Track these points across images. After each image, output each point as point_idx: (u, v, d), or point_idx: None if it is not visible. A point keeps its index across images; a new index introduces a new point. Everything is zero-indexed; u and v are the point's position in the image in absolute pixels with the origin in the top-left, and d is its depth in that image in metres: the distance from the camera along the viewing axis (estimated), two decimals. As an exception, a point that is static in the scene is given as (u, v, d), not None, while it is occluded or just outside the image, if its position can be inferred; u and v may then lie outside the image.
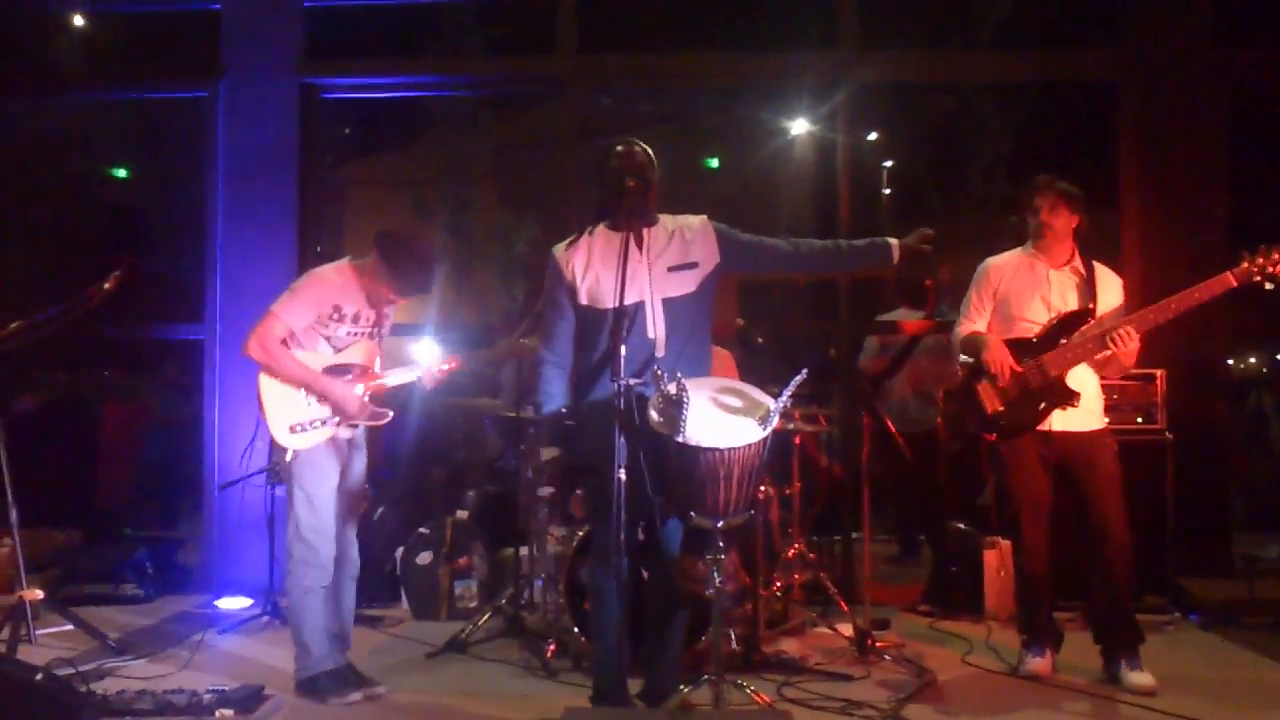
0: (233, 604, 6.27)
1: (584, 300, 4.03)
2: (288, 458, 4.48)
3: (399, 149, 12.20)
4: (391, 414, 4.70)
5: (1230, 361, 8.90)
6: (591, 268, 4.02)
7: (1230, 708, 4.25)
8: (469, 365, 5.09)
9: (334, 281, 4.56)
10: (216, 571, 6.67)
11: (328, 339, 4.55)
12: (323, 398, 4.50)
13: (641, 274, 3.96)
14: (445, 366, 4.81)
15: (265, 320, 4.46)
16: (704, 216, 4.14)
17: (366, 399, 4.58)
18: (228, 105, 6.92)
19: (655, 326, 3.96)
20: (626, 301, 3.78)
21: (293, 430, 4.47)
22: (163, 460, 8.50)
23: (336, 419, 4.54)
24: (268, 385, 4.48)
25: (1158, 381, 5.90)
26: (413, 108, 10.67)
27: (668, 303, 3.98)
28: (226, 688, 4.34)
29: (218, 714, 4.14)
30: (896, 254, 4.19)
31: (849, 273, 4.43)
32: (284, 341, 4.46)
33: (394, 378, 4.73)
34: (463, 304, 10.73)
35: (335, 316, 4.53)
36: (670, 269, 4.01)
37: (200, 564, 6.90)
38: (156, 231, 11.09)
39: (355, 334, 4.60)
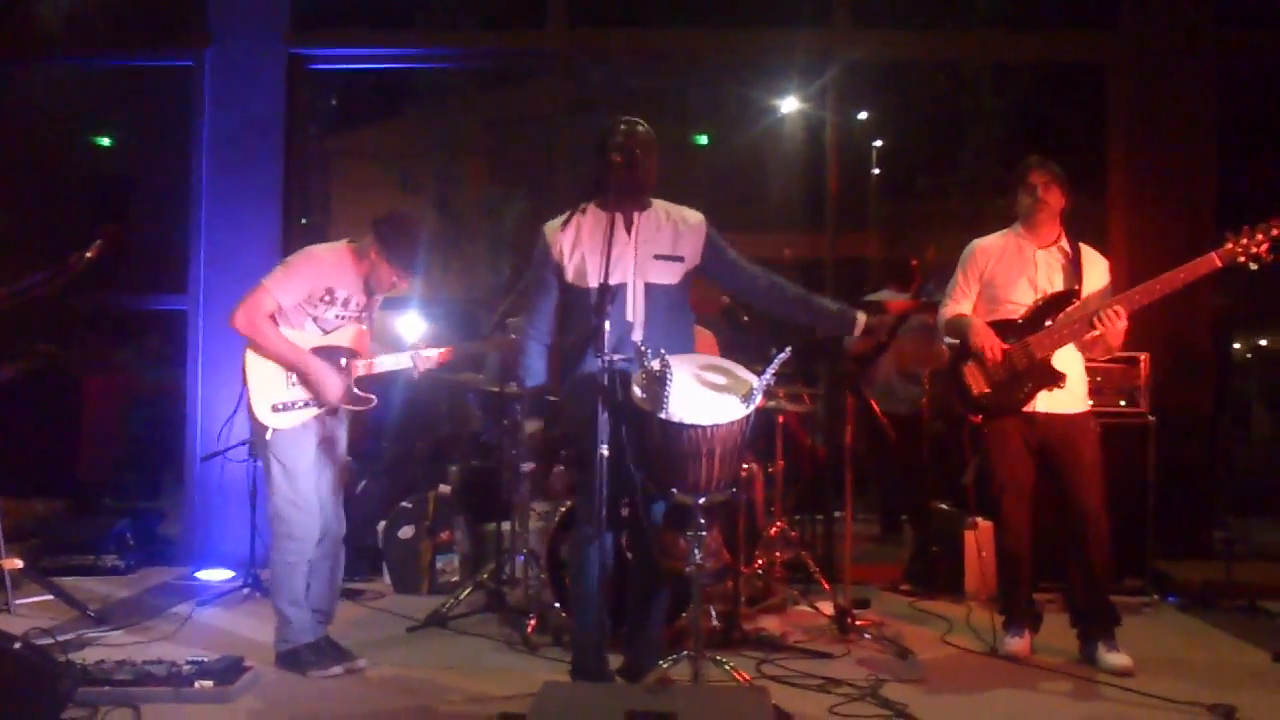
0: (213, 576, 6.27)
1: (569, 278, 4.02)
2: (267, 435, 4.46)
3: (387, 121, 12.14)
4: (375, 400, 4.67)
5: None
6: (578, 246, 4.01)
7: (1205, 688, 4.27)
8: (459, 356, 5.08)
9: (329, 263, 4.53)
10: (197, 543, 6.66)
11: (315, 320, 4.52)
12: (305, 378, 4.47)
13: (628, 257, 3.95)
14: (435, 357, 4.78)
15: (255, 293, 4.42)
16: (704, 217, 4.12)
17: (353, 383, 4.56)
18: (214, 74, 6.87)
19: (635, 310, 3.95)
20: (610, 281, 3.77)
21: (275, 409, 4.44)
22: (145, 431, 8.47)
23: (320, 400, 4.51)
24: (253, 361, 4.45)
25: (1141, 364, 5.91)
26: (401, 80, 10.62)
27: (650, 288, 3.97)
28: (206, 659, 4.33)
29: (197, 685, 4.12)
30: (859, 328, 4.16)
31: (808, 325, 4.41)
32: (271, 317, 4.43)
33: (385, 363, 4.70)
34: (450, 279, 10.70)
35: (326, 298, 4.50)
36: (657, 256, 4.00)
37: (181, 535, 6.89)
38: (140, 200, 11.03)
39: (343, 318, 4.57)
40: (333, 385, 4.48)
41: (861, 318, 4.16)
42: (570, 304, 4.04)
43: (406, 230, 4.57)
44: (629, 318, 3.93)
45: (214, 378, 6.64)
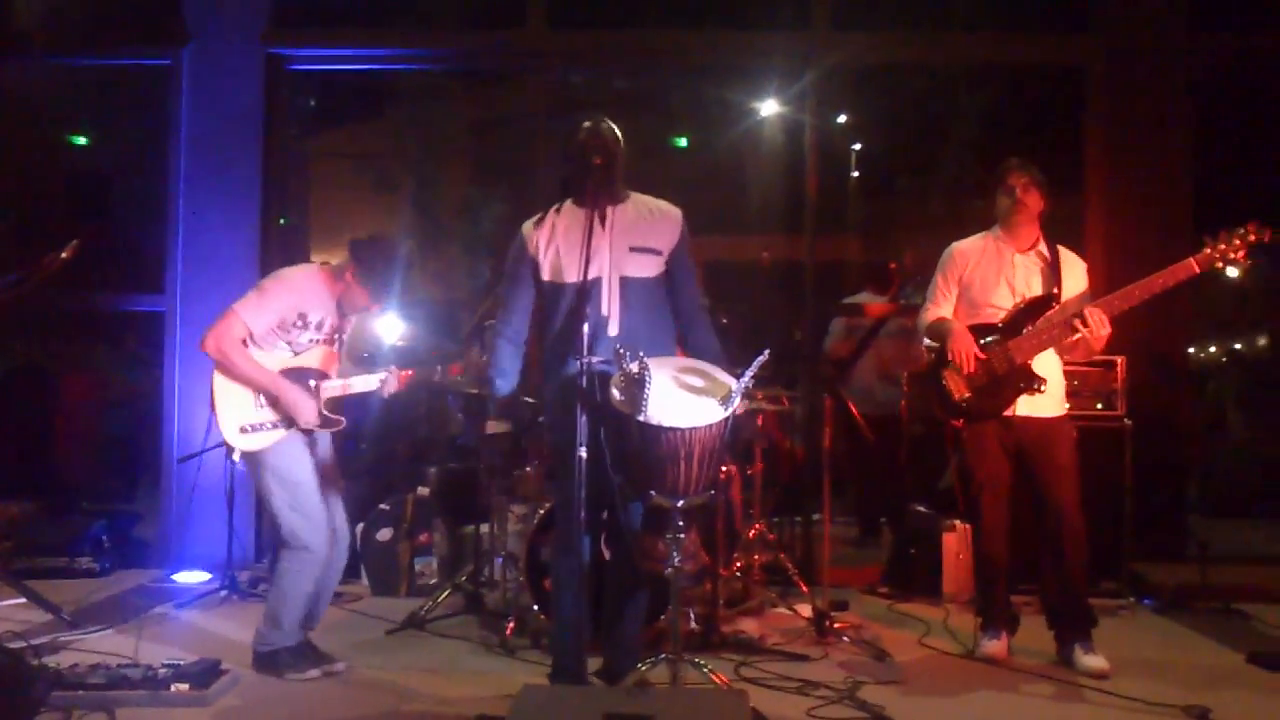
0: (191, 578, 6.24)
1: (546, 275, 4.01)
2: (235, 458, 4.45)
3: (366, 122, 12.08)
4: (344, 422, 4.65)
5: (1190, 350, 9.02)
6: (554, 243, 4.00)
7: (1180, 690, 4.30)
8: (427, 379, 5.06)
9: (303, 286, 4.51)
10: (174, 546, 6.62)
11: (289, 343, 4.50)
12: (277, 402, 4.45)
13: (602, 250, 3.93)
14: (400, 377, 4.77)
15: (226, 319, 4.40)
16: (680, 212, 4.10)
17: (322, 405, 4.54)
18: (192, 74, 6.85)
19: (610, 304, 3.93)
20: (588, 276, 3.77)
21: (243, 431, 4.43)
22: (121, 433, 8.43)
23: (288, 423, 4.49)
24: (221, 383, 4.44)
25: (1118, 368, 5.94)
26: (380, 80, 10.55)
27: (625, 281, 3.95)
28: (182, 662, 4.30)
29: (173, 688, 4.10)
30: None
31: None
32: (243, 341, 4.41)
33: (356, 384, 4.68)
34: (428, 280, 10.66)
35: (299, 323, 4.49)
36: (632, 249, 3.98)
37: (158, 538, 6.85)
38: (117, 200, 10.95)
39: (316, 340, 4.56)
40: (305, 408, 4.47)
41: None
42: (546, 302, 4.03)
43: (384, 256, 4.57)
44: (604, 312, 3.92)
45: (191, 378, 6.59)
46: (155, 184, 7.00)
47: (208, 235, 6.72)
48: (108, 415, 8.54)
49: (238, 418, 4.42)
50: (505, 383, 4.10)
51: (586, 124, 3.99)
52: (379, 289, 4.57)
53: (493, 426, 4.52)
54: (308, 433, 4.56)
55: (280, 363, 4.48)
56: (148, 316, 7.06)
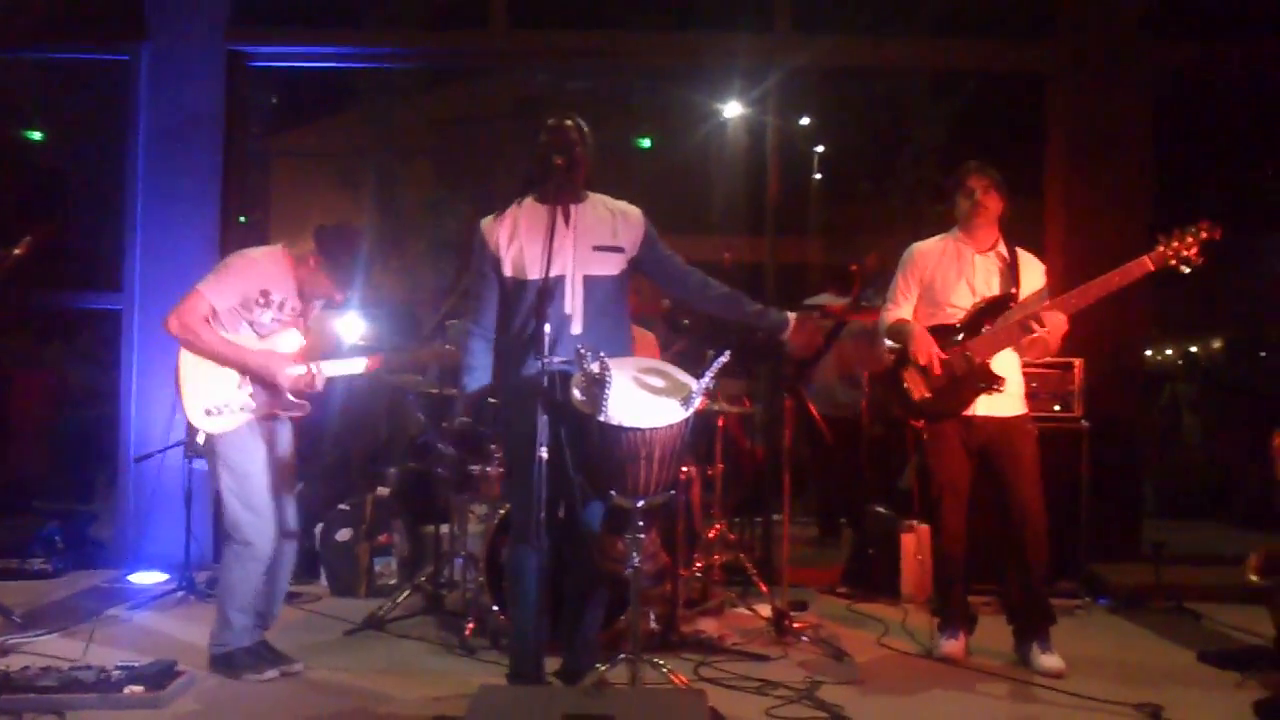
0: (147, 579, 6.17)
1: (508, 271, 4.01)
2: (199, 439, 4.42)
3: (328, 120, 12.02)
4: (309, 406, 4.63)
5: (1148, 353, 9.14)
6: (515, 239, 4.00)
7: (1133, 688, 4.35)
8: (392, 365, 5.05)
9: (265, 265, 4.50)
10: (130, 546, 6.55)
11: (251, 324, 4.47)
12: (246, 370, 4.42)
13: (566, 248, 3.94)
14: (364, 364, 4.75)
15: (189, 297, 4.37)
16: (641, 212, 4.12)
17: (289, 386, 4.52)
18: (151, 69, 6.77)
19: (572, 302, 3.94)
20: (550, 274, 3.78)
21: (208, 413, 4.39)
22: (76, 432, 8.33)
23: (254, 405, 4.46)
24: (187, 365, 4.40)
25: (1075, 370, 6.00)
26: (343, 78, 10.51)
27: (588, 280, 3.96)
28: (137, 664, 4.25)
29: (126, 690, 4.05)
30: (790, 328, 4.16)
31: (738, 321, 4.35)
32: (206, 321, 4.38)
33: (333, 369, 4.66)
34: (391, 279, 10.62)
35: (261, 301, 4.45)
36: (595, 248, 3.99)
37: (114, 538, 6.77)
38: (74, 197, 10.83)
39: (279, 321, 4.52)
40: (275, 366, 4.43)
41: (792, 317, 4.17)
42: (509, 298, 4.02)
43: (348, 243, 4.55)
44: (567, 310, 3.93)
45: (149, 377, 6.53)
46: (113, 180, 6.92)
47: (166, 233, 6.65)
48: (62, 414, 8.44)
49: (202, 400, 4.39)
50: (474, 379, 4.09)
51: (551, 123, 4.00)
52: (342, 277, 4.55)
53: (456, 422, 4.54)
54: (268, 420, 4.53)
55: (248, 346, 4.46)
56: (104, 315, 6.98)
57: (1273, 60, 7.19)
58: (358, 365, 4.76)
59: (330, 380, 4.70)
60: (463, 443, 5.35)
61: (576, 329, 3.93)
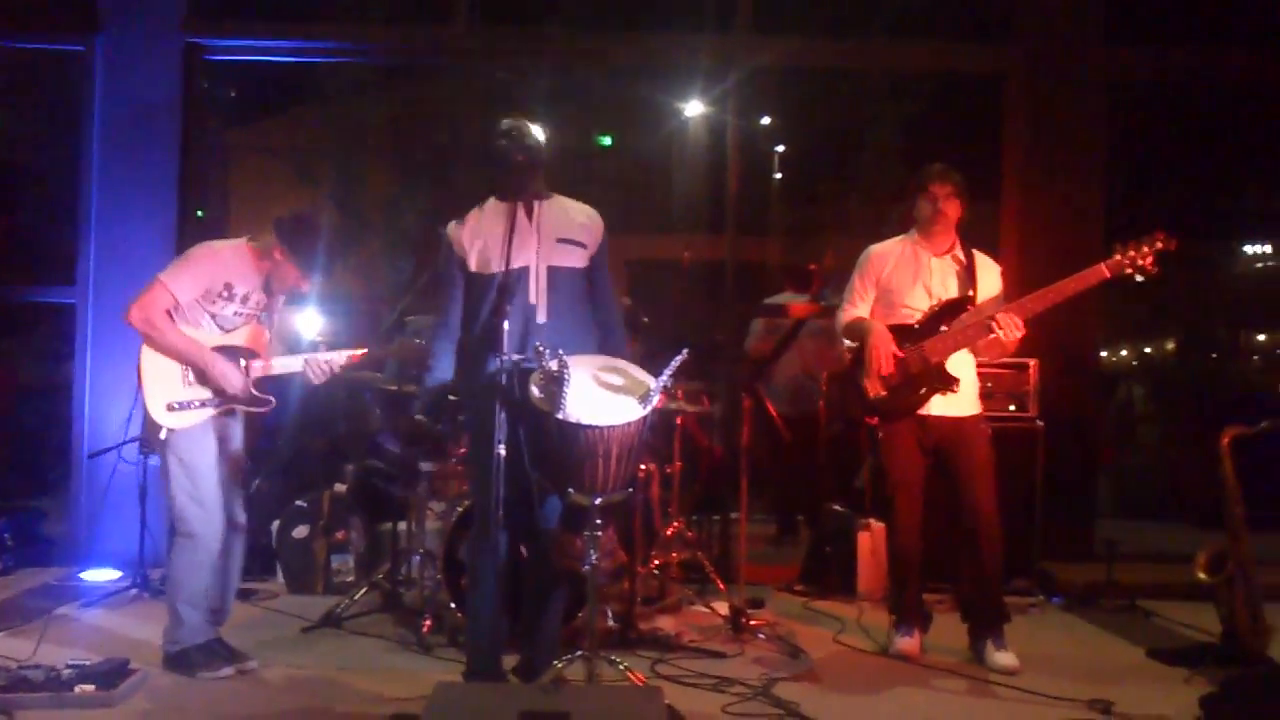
0: (99, 576, 6.10)
1: (473, 266, 4.02)
2: (161, 435, 4.37)
3: (287, 114, 11.93)
4: (274, 402, 4.60)
5: (1103, 354, 9.25)
6: (480, 235, 4.02)
7: (1085, 684, 4.40)
8: (375, 359, 5.03)
9: (228, 258, 4.47)
10: (83, 543, 6.46)
11: (214, 317, 4.44)
12: (203, 374, 4.39)
13: (530, 242, 3.97)
14: (342, 359, 4.71)
15: (151, 288, 4.34)
16: (600, 219, 4.14)
17: (251, 385, 4.49)
18: (106, 61, 6.69)
19: (537, 293, 3.96)
20: (512, 266, 3.83)
21: (170, 409, 4.36)
22: (27, 427, 8.22)
23: (217, 401, 4.43)
24: (149, 359, 4.36)
25: (1030, 371, 6.06)
26: (302, 73, 10.43)
27: (553, 270, 3.98)
28: (88, 662, 4.21)
29: (77, 689, 3.99)
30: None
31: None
32: (168, 313, 4.34)
33: (280, 365, 4.63)
34: (349, 276, 10.56)
35: (225, 294, 4.42)
36: (560, 240, 4.02)
37: (65, 535, 6.68)
38: (26, 189, 10.68)
39: (242, 314, 4.50)
40: (233, 378, 4.41)
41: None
42: (474, 293, 4.03)
43: (310, 231, 4.53)
44: (532, 300, 3.95)
45: (103, 372, 6.47)
46: (68, 173, 6.84)
47: (122, 227, 6.58)
48: (13, 409, 8.31)
49: (165, 394, 4.35)
50: (433, 375, 4.09)
51: (506, 122, 4.02)
52: (307, 265, 4.52)
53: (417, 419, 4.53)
54: (228, 415, 4.50)
55: (209, 341, 4.42)
56: (58, 308, 6.90)
57: (1225, 69, 7.31)
58: (337, 357, 4.70)
59: (287, 378, 4.68)
60: (414, 439, 5.33)
61: (542, 318, 3.94)
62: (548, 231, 4.01)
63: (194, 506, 4.40)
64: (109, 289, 6.44)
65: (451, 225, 4.10)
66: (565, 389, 3.48)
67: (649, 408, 3.59)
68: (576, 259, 4.04)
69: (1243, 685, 3.96)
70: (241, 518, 4.62)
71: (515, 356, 3.73)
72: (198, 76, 6.91)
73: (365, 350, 4.84)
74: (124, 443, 5.84)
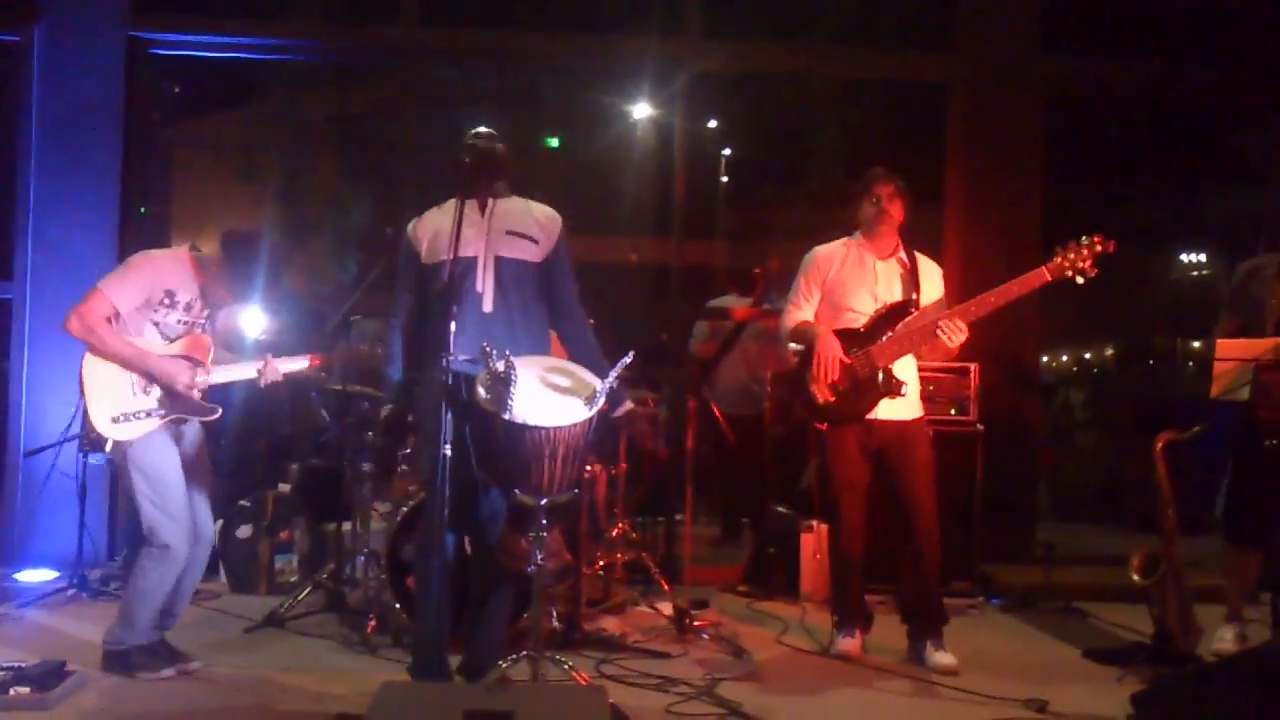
0: (35, 577, 6.01)
1: (424, 257, 4.08)
2: (107, 448, 4.33)
3: (232, 111, 11.79)
4: (219, 410, 4.57)
5: (1044, 359, 9.39)
6: (432, 229, 4.09)
7: (1022, 684, 4.47)
8: (332, 363, 5.02)
9: (169, 266, 4.44)
10: (18, 543, 6.37)
11: (157, 325, 4.40)
12: (149, 375, 4.34)
13: (480, 235, 4.02)
14: (291, 368, 4.69)
15: (90, 297, 4.30)
16: (560, 219, 4.19)
17: (196, 391, 4.45)
18: (44, 54, 6.59)
19: (483, 281, 4.00)
20: (461, 254, 3.87)
21: (115, 420, 4.30)
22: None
23: (163, 411, 4.38)
24: (91, 370, 4.30)
25: (971, 375, 6.13)
26: (248, 70, 10.30)
27: (501, 261, 4.03)
28: (23, 664, 4.15)
29: (12, 692, 3.93)
30: (624, 409, 4.25)
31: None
32: (108, 321, 4.30)
33: (233, 373, 4.60)
34: (293, 275, 10.46)
35: (167, 302, 4.39)
36: (510, 232, 4.07)
37: (0, 535, 6.57)
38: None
39: (185, 323, 4.46)
40: (181, 376, 4.37)
41: (629, 404, 4.28)
42: (424, 286, 4.08)
43: (247, 252, 4.53)
44: (479, 288, 3.99)
45: (41, 369, 6.38)
46: (3, 167, 6.72)
47: (61, 221, 6.49)
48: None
49: (109, 408, 4.30)
50: (397, 369, 4.17)
51: (472, 136, 4.15)
52: (238, 285, 4.52)
53: (384, 409, 4.56)
54: (176, 424, 4.46)
55: (155, 350, 4.38)
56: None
57: (1158, 80, 7.47)
58: (270, 373, 4.68)
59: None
60: (391, 430, 5.32)
61: (488, 307, 3.99)
62: (498, 224, 4.07)
63: (164, 518, 4.34)
64: (47, 284, 6.36)
65: (411, 223, 4.18)
66: (512, 390, 3.49)
67: (595, 409, 3.61)
68: (527, 252, 4.07)
69: (1173, 683, 4.04)
70: (207, 523, 4.59)
71: (462, 358, 3.74)
72: (142, 71, 6.84)
73: (322, 357, 4.83)
74: (62, 441, 5.76)
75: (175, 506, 4.37)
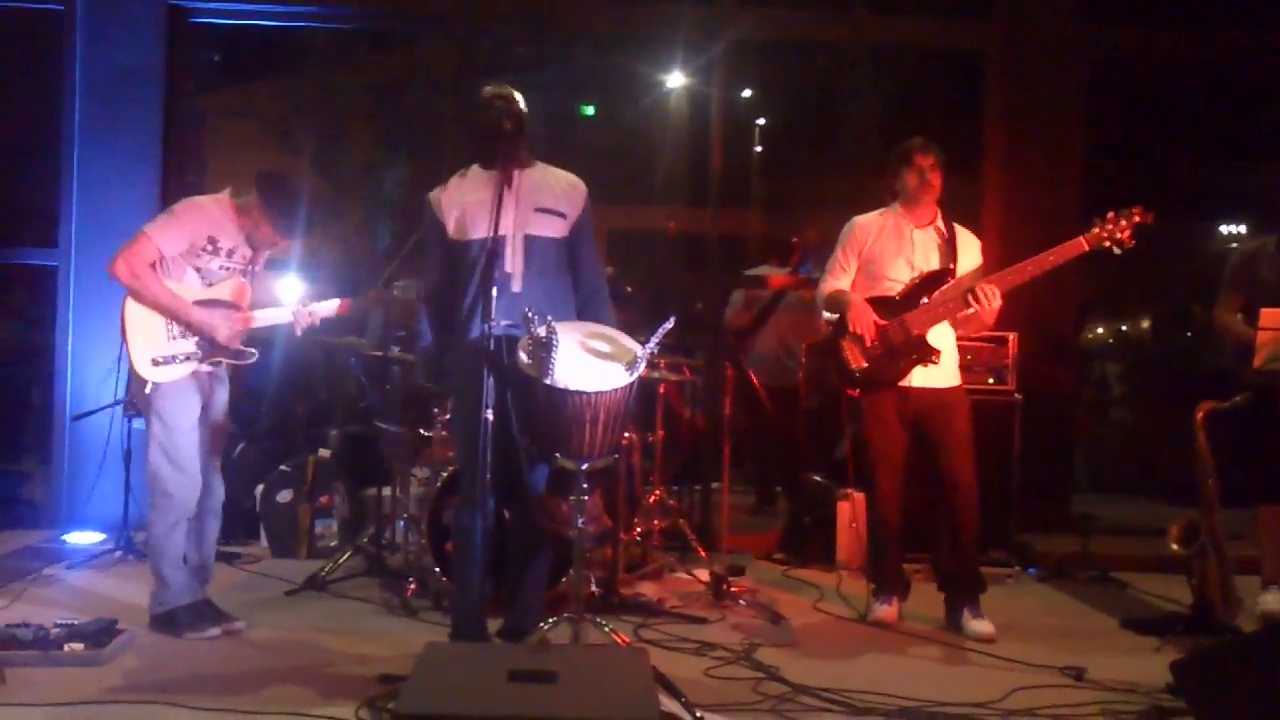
0: (83, 539, 6.10)
1: (451, 233, 4.06)
2: (147, 390, 4.38)
3: (270, 80, 11.85)
4: (256, 354, 4.63)
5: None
6: (457, 203, 4.07)
7: (1059, 652, 4.48)
8: (346, 312, 5.05)
9: (212, 212, 4.47)
10: (66, 506, 6.46)
11: (199, 270, 4.45)
12: (189, 326, 4.40)
13: (508, 211, 3.98)
14: (330, 309, 4.74)
15: (136, 241, 4.34)
16: (584, 186, 4.17)
17: (237, 335, 4.51)
18: (87, 22, 6.62)
19: (513, 261, 3.99)
20: (492, 234, 3.84)
21: (155, 363, 4.36)
22: (8, 391, 8.16)
23: (201, 355, 4.44)
24: (133, 313, 4.36)
25: (1009, 344, 6.11)
26: (286, 38, 10.36)
27: (530, 240, 4.02)
28: (76, 621, 4.22)
29: (66, 648, 4.01)
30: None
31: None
32: (153, 266, 4.35)
33: (265, 317, 4.65)
34: (329, 243, 10.52)
35: (209, 248, 4.43)
36: (538, 209, 4.05)
37: (49, 498, 6.67)
38: (7, 150, 10.59)
39: (227, 269, 4.51)
40: (219, 326, 4.43)
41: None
42: (454, 262, 4.07)
43: (288, 190, 4.54)
44: (507, 268, 3.98)
45: (85, 335, 6.45)
46: (48, 134, 6.78)
47: (104, 190, 6.54)
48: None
49: (150, 349, 4.36)
50: (423, 341, 4.20)
51: (490, 89, 4.04)
52: (285, 224, 4.53)
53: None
54: (214, 368, 4.52)
55: (193, 294, 4.43)
56: (39, 271, 6.86)
57: (1201, 48, 7.38)
58: (324, 307, 4.72)
59: (272, 340, 4.69)
60: (411, 402, 5.36)
61: (517, 287, 3.98)
62: (526, 201, 4.04)
63: (169, 466, 4.40)
64: (91, 252, 6.41)
65: (435, 191, 4.15)
66: (553, 355, 3.51)
67: (636, 374, 3.63)
68: (555, 229, 4.07)
69: (1214, 652, 4.04)
70: (218, 485, 4.64)
71: (504, 323, 3.75)
72: (181, 39, 6.87)
73: (350, 300, 4.87)
74: (107, 405, 5.84)
75: (184, 457, 4.42)
